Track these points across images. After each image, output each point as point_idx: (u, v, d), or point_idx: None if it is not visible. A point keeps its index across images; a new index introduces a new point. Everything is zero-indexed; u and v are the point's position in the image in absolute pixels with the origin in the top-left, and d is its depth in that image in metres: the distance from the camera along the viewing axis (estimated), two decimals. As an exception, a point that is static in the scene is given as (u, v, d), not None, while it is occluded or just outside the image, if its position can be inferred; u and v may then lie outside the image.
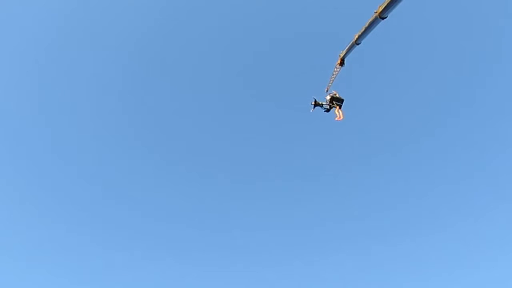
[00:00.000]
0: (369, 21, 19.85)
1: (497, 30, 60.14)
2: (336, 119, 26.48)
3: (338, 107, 27.30)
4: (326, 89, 28.40)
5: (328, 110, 28.01)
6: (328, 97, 27.49)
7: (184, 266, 59.57)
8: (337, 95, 27.38)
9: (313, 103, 27.57)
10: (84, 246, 58.91)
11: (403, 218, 61.39)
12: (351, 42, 23.56)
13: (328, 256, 59.35)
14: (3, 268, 54.50)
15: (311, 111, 28.11)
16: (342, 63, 26.13)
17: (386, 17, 18.34)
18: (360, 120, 62.17)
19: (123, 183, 67.28)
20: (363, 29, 21.14)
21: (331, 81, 27.67)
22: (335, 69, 26.68)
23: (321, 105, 27.49)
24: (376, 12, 18.52)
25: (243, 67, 74.54)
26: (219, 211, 65.22)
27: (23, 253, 56.13)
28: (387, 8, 17.29)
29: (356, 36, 22.31)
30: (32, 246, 57.61)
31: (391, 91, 69.71)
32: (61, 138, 66.83)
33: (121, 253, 59.74)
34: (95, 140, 68.20)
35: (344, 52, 25.40)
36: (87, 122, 68.41)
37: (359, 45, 23.36)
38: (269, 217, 64.99)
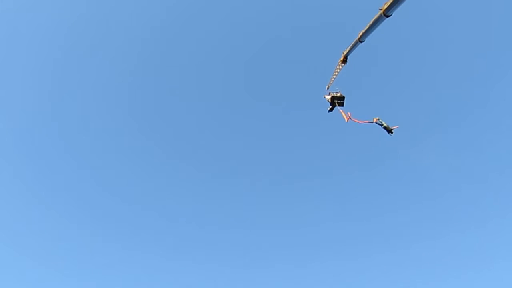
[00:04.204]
0: (374, 18, 19.29)
1: (505, 29, 58.83)
2: (346, 120, 26.13)
3: (339, 105, 27.07)
4: (327, 87, 27.90)
5: (331, 110, 27.78)
6: (328, 97, 27.08)
7: (184, 265, 60.04)
8: (338, 94, 26.95)
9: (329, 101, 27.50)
10: (97, 246, 59.70)
11: (404, 221, 61.31)
12: (354, 40, 23.00)
13: (328, 258, 59.50)
14: (4, 267, 55.27)
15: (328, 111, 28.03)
16: (344, 60, 25.57)
17: (390, 15, 17.75)
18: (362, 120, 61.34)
19: (125, 182, 67.90)
20: (367, 27, 20.57)
21: (333, 79, 27.13)
22: (337, 67, 26.12)
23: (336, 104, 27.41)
24: (381, 9, 17.94)
25: (243, 65, 74.22)
26: (220, 211, 65.46)
27: (24, 252, 56.83)
28: (392, 5, 16.69)
29: (360, 34, 21.74)
30: (36, 244, 58.35)
31: (394, 90, 69.04)
32: (65, 137, 67.41)
33: (121, 250, 60.42)
34: (97, 139, 68.65)
35: (348, 49, 24.86)
36: (94, 123, 68.64)
37: (363, 43, 22.81)
38: (269, 217, 65.21)
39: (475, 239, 55.11)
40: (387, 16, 17.93)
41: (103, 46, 69.03)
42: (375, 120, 25.36)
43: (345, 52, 25.38)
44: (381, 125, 25.22)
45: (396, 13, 17.51)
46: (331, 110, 27.83)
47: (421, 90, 68.25)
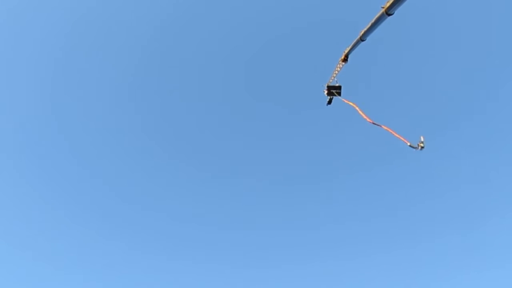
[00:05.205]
0: (376, 17, 18.96)
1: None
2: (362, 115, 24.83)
3: (337, 95, 27.02)
4: (326, 85, 27.70)
5: (330, 102, 27.81)
6: (326, 91, 27.11)
7: (184, 265, 60.01)
8: (336, 85, 26.92)
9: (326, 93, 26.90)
10: (96, 245, 59.91)
11: (406, 221, 61.19)
12: (356, 39, 22.70)
13: (329, 258, 59.46)
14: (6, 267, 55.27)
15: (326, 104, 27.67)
16: (345, 59, 25.28)
17: (392, 14, 17.41)
18: (362, 120, 61.05)
19: (125, 182, 68.09)
20: (369, 25, 20.24)
21: (333, 77, 26.90)
22: (338, 65, 25.85)
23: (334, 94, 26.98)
24: (384, 7, 17.64)
25: (242, 64, 73.58)
26: (220, 211, 65.43)
27: (25, 251, 56.91)
28: (394, 4, 16.37)
29: (362, 32, 21.41)
30: (37, 243, 58.43)
31: (395, 90, 68.66)
32: (66, 137, 67.30)
33: (120, 250, 60.57)
34: (98, 138, 68.68)
35: (349, 48, 24.54)
36: (94, 122, 68.54)
37: (364, 41, 22.52)
38: (271, 217, 65.12)
39: (478, 239, 55.13)
40: (389, 15, 17.62)
41: (104, 45, 68.73)
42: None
43: (346, 51, 25.06)
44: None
45: (398, 11, 17.22)
46: (329, 102, 27.82)
47: (422, 89, 67.89)
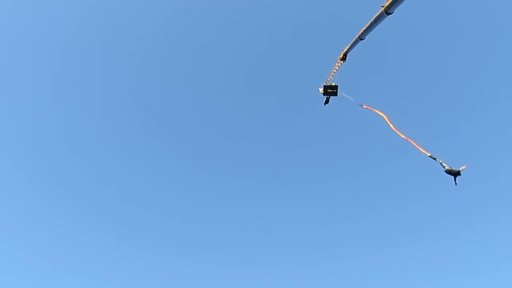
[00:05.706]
0: (375, 16, 18.69)
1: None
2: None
3: (332, 95, 27.19)
4: (323, 85, 27.47)
5: (327, 101, 27.74)
6: (321, 90, 26.96)
7: (185, 265, 59.81)
8: (333, 84, 26.79)
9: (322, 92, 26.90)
10: (96, 245, 59.46)
11: (409, 221, 60.78)
12: (355, 38, 22.43)
13: (332, 259, 59.18)
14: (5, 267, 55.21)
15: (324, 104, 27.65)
16: (344, 58, 25.03)
17: (392, 13, 17.12)
18: (364, 118, 60.93)
19: (126, 182, 67.47)
20: (368, 24, 19.96)
21: (331, 76, 26.65)
22: (336, 64, 25.58)
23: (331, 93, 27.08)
24: (383, 6, 17.34)
25: (242, 63, 73.11)
26: (220, 211, 65.08)
27: (28, 252, 56.68)
28: (393, 3, 16.07)
29: (361, 31, 21.15)
30: (39, 244, 58.12)
31: (395, 90, 68.37)
32: (66, 137, 66.78)
33: (121, 250, 60.30)
34: (99, 138, 68.05)
35: (348, 47, 24.29)
36: (96, 121, 68.09)
37: (363, 40, 22.24)
38: (271, 217, 64.74)
39: (477, 239, 54.89)
40: (389, 14, 17.33)
41: (103, 46, 68.34)
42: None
43: (345, 50, 24.82)
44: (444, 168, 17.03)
45: (398, 10, 16.92)
46: (326, 102, 27.84)
47: (422, 89, 67.47)
